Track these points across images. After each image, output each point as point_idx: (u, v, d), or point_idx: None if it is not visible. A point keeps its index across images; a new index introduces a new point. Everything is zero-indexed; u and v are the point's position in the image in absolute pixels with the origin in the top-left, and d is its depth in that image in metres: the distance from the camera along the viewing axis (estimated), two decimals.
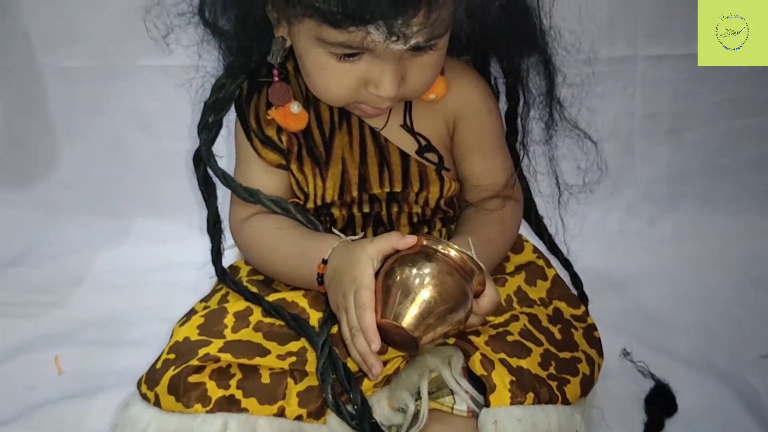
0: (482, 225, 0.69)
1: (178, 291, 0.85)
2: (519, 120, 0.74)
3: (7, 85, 1.01)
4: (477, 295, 0.59)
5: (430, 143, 0.70)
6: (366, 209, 0.71)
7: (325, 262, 0.63)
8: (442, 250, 0.57)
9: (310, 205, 0.71)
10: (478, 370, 0.60)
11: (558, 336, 0.66)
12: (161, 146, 1.01)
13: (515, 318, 0.66)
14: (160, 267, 0.98)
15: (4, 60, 0.99)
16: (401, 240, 0.58)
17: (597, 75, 1.01)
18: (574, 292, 0.78)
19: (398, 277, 0.56)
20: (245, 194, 0.69)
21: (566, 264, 0.81)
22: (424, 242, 0.58)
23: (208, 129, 0.70)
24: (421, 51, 0.60)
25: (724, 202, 1.06)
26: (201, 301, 0.70)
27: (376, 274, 0.58)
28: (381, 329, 0.56)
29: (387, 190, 0.70)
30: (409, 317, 0.55)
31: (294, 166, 0.70)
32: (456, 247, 0.57)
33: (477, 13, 0.59)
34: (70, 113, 1.02)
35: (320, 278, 0.63)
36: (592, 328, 0.71)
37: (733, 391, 0.77)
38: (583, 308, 0.72)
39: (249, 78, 0.71)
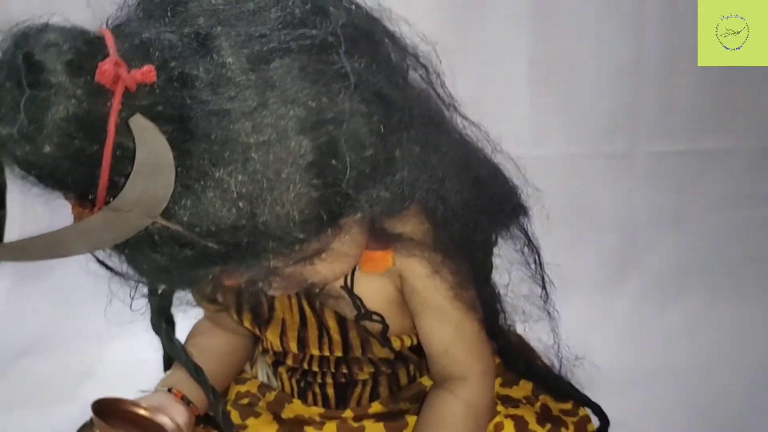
0: (447, 412, 0.62)
1: None
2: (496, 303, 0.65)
3: None
4: None
5: (368, 311, 0.62)
6: (315, 367, 0.68)
7: None
8: None
9: (267, 346, 0.69)
10: None
11: None
12: None
13: (499, 427, 0.64)
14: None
15: None
16: None
17: (598, 170, 1.05)
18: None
19: None
20: (191, 368, 0.64)
21: (581, 400, 0.72)
22: None
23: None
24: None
25: (733, 292, 1.06)
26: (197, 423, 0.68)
27: None
28: None
29: (327, 354, 0.66)
30: None
31: (235, 320, 0.68)
32: None
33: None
34: None
35: None
36: (585, 420, 0.69)
37: None
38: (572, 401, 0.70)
39: None
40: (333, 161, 0.42)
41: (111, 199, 0.39)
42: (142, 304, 0.63)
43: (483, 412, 0.64)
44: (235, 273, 0.45)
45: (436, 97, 0.53)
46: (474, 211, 0.55)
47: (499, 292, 0.64)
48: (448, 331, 0.62)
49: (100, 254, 0.47)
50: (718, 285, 1.06)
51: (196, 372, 0.63)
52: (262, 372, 0.75)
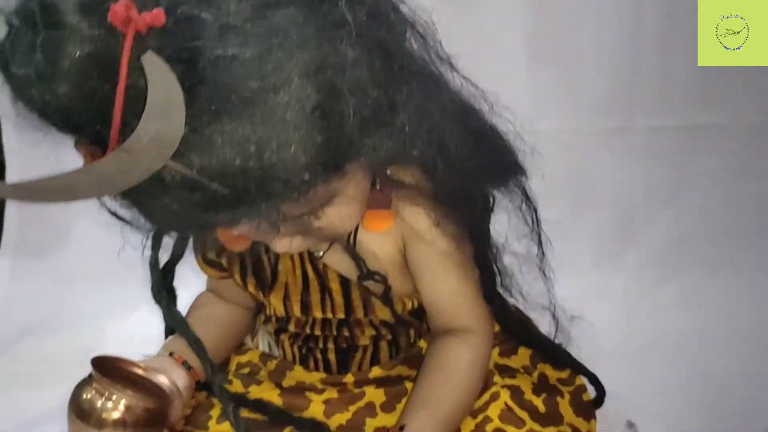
0: (452, 353, 0.64)
1: None
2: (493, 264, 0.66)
3: (26, 158, 1.05)
4: None
5: (370, 271, 0.63)
6: (317, 332, 0.69)
7: None
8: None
9: (270, 312, 0.70)
10: None
11: (542, 408, 0.65)
12: None
13: (495, 397, 0.65)
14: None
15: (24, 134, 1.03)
16: None
17: (596, 145, 1.05)
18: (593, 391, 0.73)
19: None
20: (191, 340, 0.64)
21: (578, 369, 0.73)
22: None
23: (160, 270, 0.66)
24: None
25: (728, 266, 1.07)
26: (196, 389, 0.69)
27: None
28: None
29: (330, 316, 0.68)
30: None
31: (240, 284, 0.69)
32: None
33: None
34: None
35: None
36: (581, 389, 0.70)
37: None
38: (569, 370, 0.71)
39: None
40: (336, 105, 0.43)
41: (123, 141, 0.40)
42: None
43: (484, 363, 0.65)
44: (246, 218, 0.46)
45: (433, 57, 0.53)
46: (473, 164, 0.56)
47: (496, 253, 0.65)
48: (453, 280, 0.64)
49: (110, 204, 0.47)
50: (714, 259, 1.07)
51: (195, 344, 0.64)
52: (263, 342, 0.76)
